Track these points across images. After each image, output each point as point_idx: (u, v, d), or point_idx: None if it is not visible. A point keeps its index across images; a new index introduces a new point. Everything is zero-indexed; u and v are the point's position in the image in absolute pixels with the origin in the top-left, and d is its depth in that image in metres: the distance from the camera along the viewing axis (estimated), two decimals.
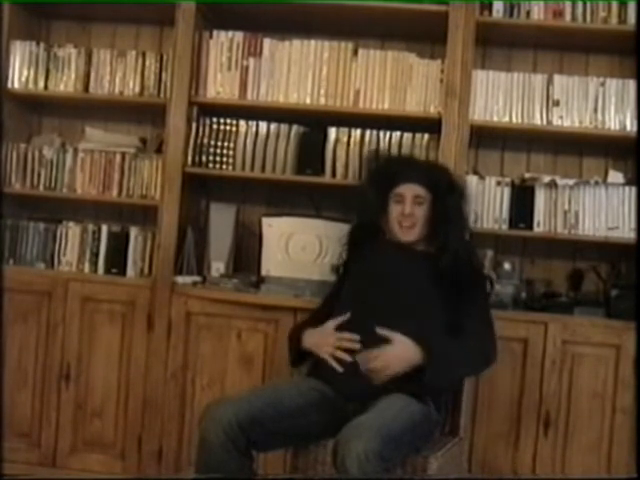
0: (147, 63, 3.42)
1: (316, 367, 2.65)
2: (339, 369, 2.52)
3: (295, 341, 2.70)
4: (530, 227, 3.23)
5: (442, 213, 2.70)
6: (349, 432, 2.24)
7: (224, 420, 2.33)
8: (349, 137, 3.30)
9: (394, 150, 3.26)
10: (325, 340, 2.57)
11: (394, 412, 2.37)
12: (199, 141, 3.34)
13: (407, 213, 2.70)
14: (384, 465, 2.20)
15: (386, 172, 2.82)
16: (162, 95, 3.39)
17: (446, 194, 2.72)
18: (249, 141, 3.33)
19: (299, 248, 3.28)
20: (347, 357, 2.52)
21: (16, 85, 3.48)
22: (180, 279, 3.27)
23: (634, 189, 3.19)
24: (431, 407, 2.53)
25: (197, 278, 3.30)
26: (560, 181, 3.27)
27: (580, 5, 3.18)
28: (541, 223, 3.22)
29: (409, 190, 2.72)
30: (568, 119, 3.22)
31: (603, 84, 3.22)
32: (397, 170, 2.80)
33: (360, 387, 2.50)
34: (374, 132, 3.29)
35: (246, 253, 3.48)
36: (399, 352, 2.48)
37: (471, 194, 2.99)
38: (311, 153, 3.32)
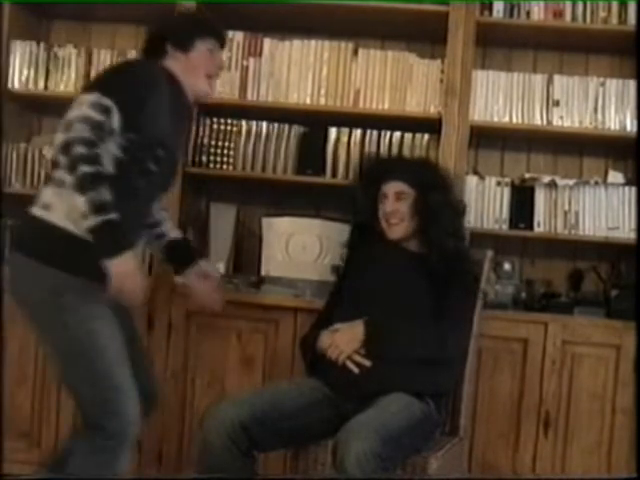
0: None
1: (316, 367, 2.65)
2: (356, 370, 2.51)
3: (309, 347, 2.68)
4: (530, 227, 3.23)
5: (427, 209, 2.68)
6: (348, 432, 2.24)
7: (226, 421, 2.33)
8: (349, 137, 3.31)
9: (394, 150, 3.27)
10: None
11: (393, 412, 2.37)
12: (199, 141, 3.34)
13: (388, 211, 2.69)
14: (383, 465, 2.20)
15: (372, 174, 2.82)
16: None
17: (431, 190, 2.69)
18: (249, 141, 3.34)
19: (299, 248, 3.28)
20: (366, 362, 2.52)
21: (16, 85, 3.48)
22: (180, 279, 3.26)
23: (634, 189, 3.19)
24: (431, 407, 2.53)
25: None
26: (560, 181, 3.27)
27: (580, 5, 3.19)
28: (541, 223, 3.22)
29: (391, 188, 2.72)
30: (568, 119, 3.22)
31: (603, 84, 3.22)
32: (381, 170, 2.80)
33: (360, 387, 2.50)
34: (374, 132, 3.29)
35: (246, 253, 3.48)
36: (343, 334, 2.54)
37: (460, 190, 2.98)
38: (311, 153, 3.32)
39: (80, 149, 2.15)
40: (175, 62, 2.47)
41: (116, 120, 2.23)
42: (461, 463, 2.76)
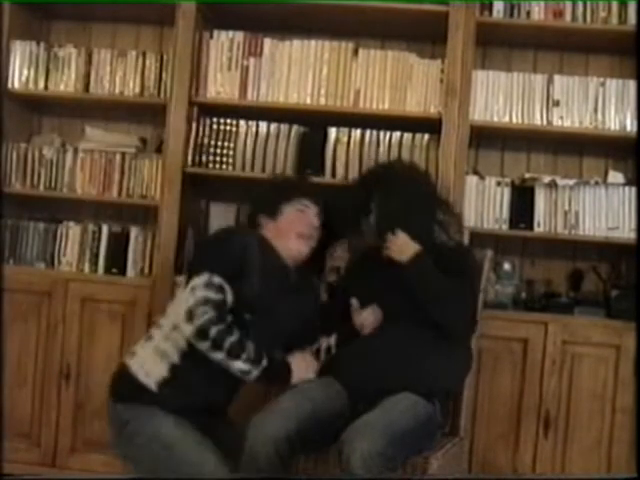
0: (147, 63, 3.43)
1: (331, 365, 2.63)
2: None
3: None
4: (530, 227, 3.23)
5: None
6: (354, 431, 2.25)
7: (274, 433, 2.31)
8: (349, 137, 3.30)
9: (394, 150, 3.26)
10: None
11: (399, 412, 2.37)
12: (199, 141, 3.34)
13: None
14: (388, 465, 2.21)
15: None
16: (162, 95, 3.39)
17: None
18: (249, 141, 3.33)
19: None
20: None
21: (16, 85, 3.48)
22: (180, 279, 3.26)
23: (634, 189, 3.19)
24: (437, 408, 2.53)
25: None
26: (560, 181, 3.27)
27: (580, 5, 3.19)
28: (541, 223, 3.22)
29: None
30: (568, 119, 3.22)
31: (603, 84, 3.22)
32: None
33: (372, 387, 2.49)
34: (374, 132, 3.29)
35: None
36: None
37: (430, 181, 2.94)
38: (311, 153, 3.32)
39: (214, 330, 2.37)
40: (267, 231, 2.61)
41: (230, 296, 2.43)
42: (461, 463, 2.76)
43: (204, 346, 2.37)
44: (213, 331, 2.36)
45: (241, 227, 2.70)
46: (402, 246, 2.59)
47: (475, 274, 2.72)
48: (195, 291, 2.40)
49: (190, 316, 2.37)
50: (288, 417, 2.36)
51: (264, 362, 2.41)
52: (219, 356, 2.38)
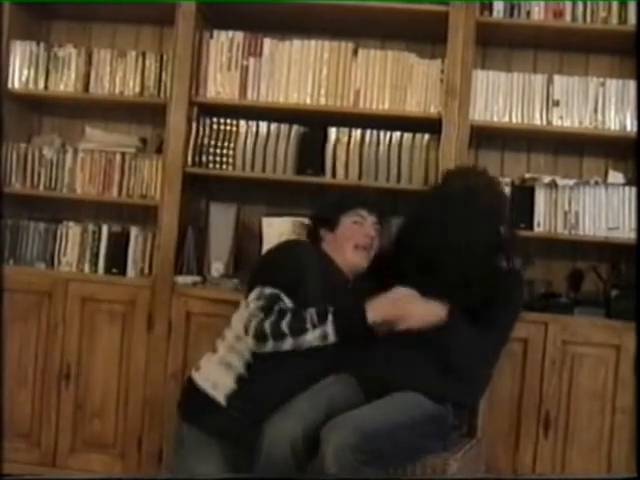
0: (147, 63, 3.43)
1: (346, 361, 2.61)
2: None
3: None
4: (530, 227, 3.23)
5: None
6: (331, 425, 2.25)
7: (292, 436, 2.30)
8: (349, 137, 3.30)
9: (394, 150, 3.26)
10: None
11: (389, 408, 2.37)
12: (199, 141, 3.34)
13: None
14: (363, 457, 2.19)
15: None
16: (162, 95, 3.39)
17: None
18: (249, 141, 3.34)
19: None
20: None
21: (16, 85, 3.48)
22: (180, 279, 3.27)
23: (634, 189, 3.19)
24: (449, 411, 2.52)
25: (197, 278, 3.30)
26: (560, 181, 3.27)
27: (580, 5, 3.19)
28: (541, 223, 3.22)
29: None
30: (568, 119, 3.22)
31: (603, 84, 3.22)
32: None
33: (385, 386, 2.48)
34: (374, 132, 3.29)
35: (246, 253, 3.48)
36: (422, 308, 2.45)
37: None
38: (311, 153, 3.32)
39: (267, 325, 2.39)
40: (327, 243, 2.64)
41: (287, 302, 2.46)
42: (479, 464, 2.76)
43: (269, 347, 2.39)
44: (267, 327, 2.38)
45: (299, 241, 2.74)
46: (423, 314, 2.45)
47: (517, 312, 2.68)
48: (249, 305, 2.46)
49: (247, 330, 2.43)
50: (305, 417, 2.35)
51: (330, 317, 2.36)
52: (288, 343, 2.38)
